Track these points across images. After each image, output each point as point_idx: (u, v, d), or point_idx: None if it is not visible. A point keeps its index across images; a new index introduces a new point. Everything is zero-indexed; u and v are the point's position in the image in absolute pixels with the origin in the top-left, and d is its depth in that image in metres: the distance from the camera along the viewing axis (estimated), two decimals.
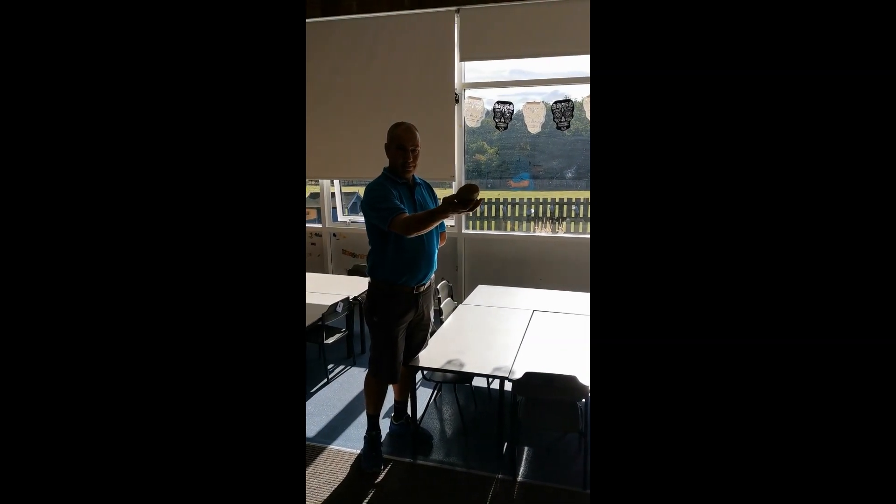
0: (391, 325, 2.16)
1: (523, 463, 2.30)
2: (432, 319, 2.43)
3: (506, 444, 2.39)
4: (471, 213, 2.18)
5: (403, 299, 2.17)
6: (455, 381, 2.64)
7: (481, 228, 6.33)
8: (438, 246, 2.28)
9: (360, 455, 2.34)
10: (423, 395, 2.84)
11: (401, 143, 2.08)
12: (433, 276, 2.30)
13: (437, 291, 2.85)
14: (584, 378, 1.96)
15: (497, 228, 6.48)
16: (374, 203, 2.05)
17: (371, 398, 2.31)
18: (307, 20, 4.17)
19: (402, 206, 2.05)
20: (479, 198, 1.87)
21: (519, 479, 2.19)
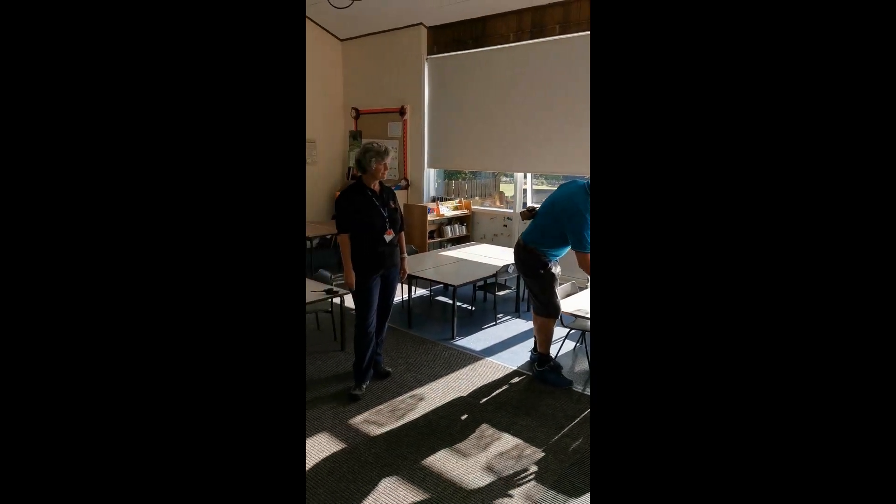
0: (552, 275, 3.01)
1: None
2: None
3: None
4: None
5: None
6: (584, 330, 3.30)
7: None
8: None
9: (536, 377, 3.23)
10: (567, 344, 3.57)
11: None
12: None
13: None
14: None
15: None
16: (585, 226, 2.73)
17: (546, 337, 3.10)
18: (518, 43, 5.16)
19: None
20: None
21: None
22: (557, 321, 3.11)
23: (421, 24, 5.86)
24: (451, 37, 5.75)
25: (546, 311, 3.05)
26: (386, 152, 2.75)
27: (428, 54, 5.97)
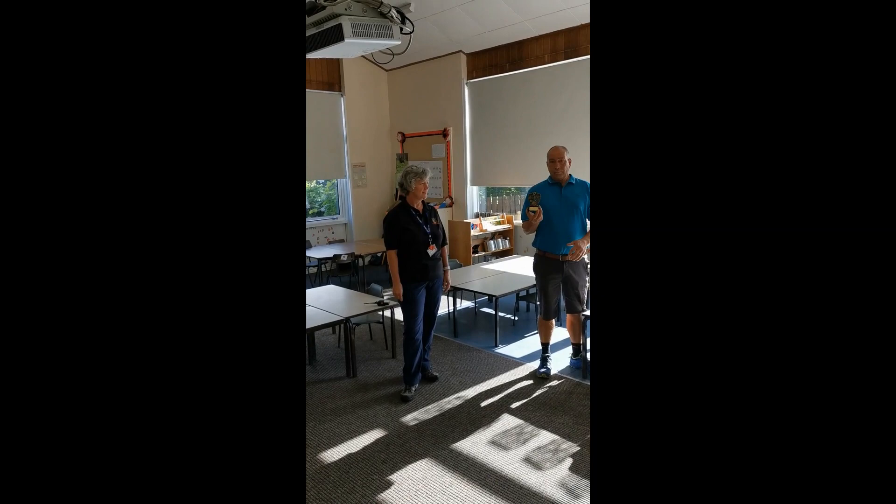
0: (543, 279, 3.27)
1: None
2: (586, 280, 3.29)
3: None
4: None
5: (551, 263, 3.22)
6: None
7: None
8: (582, 233, 3.18)
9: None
10: None
11: (550, 157, 3.15)
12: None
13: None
14: None
15: None
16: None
17: (540, 331, 3.44)
18: (553, 63, 5.39)
19: (533, 210, 3.12)
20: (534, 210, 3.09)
21: None
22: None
23: (460, 51, 6.22)
24: (488, 61, 6.07)
25: (539, 310, 3.40)
26: (424, 172, 3.05)
27: (467, 79, 6.31)
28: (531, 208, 3.10)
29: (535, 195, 3.12)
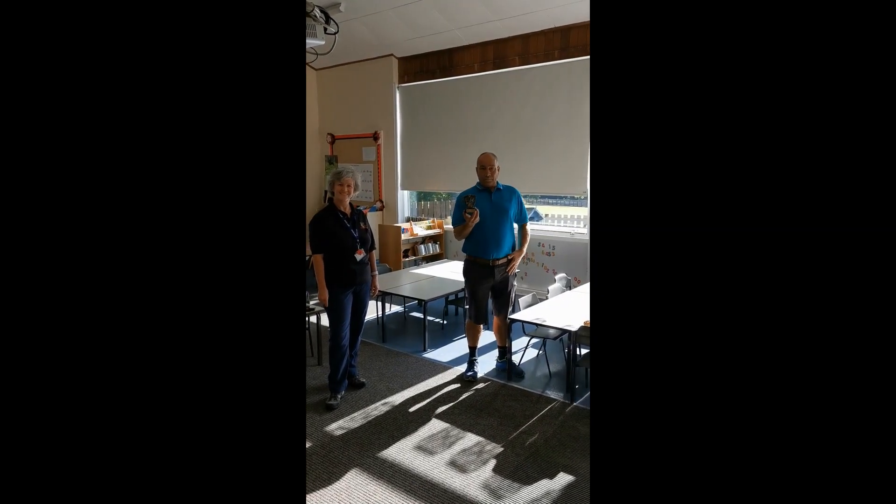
0: (474, 284, 3.31)
1: (582, 394, 3.12)
2: (513, 285, 3.40)
3: (574, 382, 3.24)
4: None
5: (482, 268, 3.27)
6: (546, 338, 3.55)
7: None
8: (515, 238, 3.32)
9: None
10: (531, 352, 3.81)
11: (480, 163, 3.21)
12: (509, 255, 3.28)
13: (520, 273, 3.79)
14: None
15: None
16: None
17: (468, 335, 3.48)
18: (483, 73, 5.51)
19: (463, 218, 3.17)
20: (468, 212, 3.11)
21: (574, 403, 3.03)
22: (521, 330, 3.35)
23: (391, 54, 6.20)
24: (420, 66, 6.09)
25: (469, 314, 3.45)
26: (339, 174, 2.98)
27: (399, 83, 6.30)
28: (468, 210, 3.13)
29: (470, 197, 3.16)
